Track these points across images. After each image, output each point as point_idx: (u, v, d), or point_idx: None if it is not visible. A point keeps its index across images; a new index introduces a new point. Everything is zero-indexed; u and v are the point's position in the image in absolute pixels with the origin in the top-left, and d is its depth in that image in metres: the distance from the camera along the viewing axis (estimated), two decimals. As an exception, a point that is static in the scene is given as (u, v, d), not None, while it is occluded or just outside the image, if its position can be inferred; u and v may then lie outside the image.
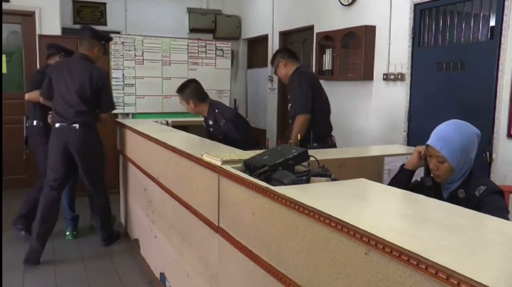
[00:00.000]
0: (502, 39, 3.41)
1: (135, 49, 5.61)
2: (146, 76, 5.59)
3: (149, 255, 3.21)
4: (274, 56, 3.60)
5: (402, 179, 1.97)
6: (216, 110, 3.43)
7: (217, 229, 1.88)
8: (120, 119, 4.56)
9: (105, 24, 6.50)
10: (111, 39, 3.96)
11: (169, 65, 5.49)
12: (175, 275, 2.62)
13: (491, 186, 1.81)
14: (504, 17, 3.38)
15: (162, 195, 2.72)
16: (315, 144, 3.09)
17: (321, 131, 3.28)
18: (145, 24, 6.57)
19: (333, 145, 3.43)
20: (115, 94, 5.47)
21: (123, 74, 5.45)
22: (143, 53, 5.60)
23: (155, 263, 3.05)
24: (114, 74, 5.37)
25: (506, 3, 3.36)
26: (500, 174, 3.41)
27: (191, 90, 3.48)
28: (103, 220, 3.76)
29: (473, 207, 1.68)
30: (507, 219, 1.73)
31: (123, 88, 5.50)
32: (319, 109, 3.33)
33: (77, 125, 3.43)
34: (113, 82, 5.42)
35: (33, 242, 3.38)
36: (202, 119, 3.67)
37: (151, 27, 6.46)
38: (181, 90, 3.51)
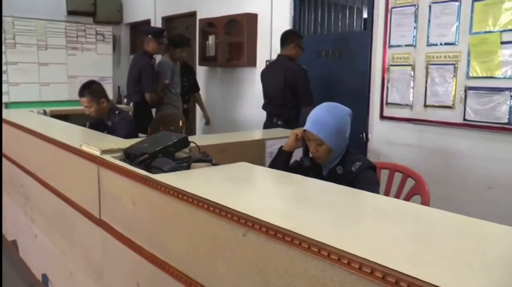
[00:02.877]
0: (374, 29, 3.70)
1: (5, 31, 5.10)
2: (19, 62, 5.12)
3: (29, 256, 2.99)
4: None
5: (281, 161, 2.05)
6: (117, 111, 3.27)
7: (99, 222, 1.80)
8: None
9: (-34, 3, 5.79)
10: (161, 32, 4.54)
11: (46, 49, 5.09)
12: (58, 274, 2.47)
13: (366, 162, 1.96)
14: (375, 10, 3.67)
15: (41, 190, 2.54)
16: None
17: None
18: (15, 3, 5.94)
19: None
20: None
21: (-9, 60, 4.93)
22: (14, 36, 5.12)
23: (36, 265, 2.85)
24: (-19, 59, 4.84)
25: (375, -4, 3.65)
26: (375, 152, 3.73)
27: (100, 88, 3.25)
28: None
29: (350, 182, 1.81)
30: (378, 192, 1.90)
31: (-8, 75, 4.99)
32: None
33: (131, 104, 4.44)
34: (-20, 68, 4.89)
35: None
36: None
37: (23, 8, 5.85)
38: (88, 88, 3.22)
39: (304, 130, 1.97)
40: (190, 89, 5.04)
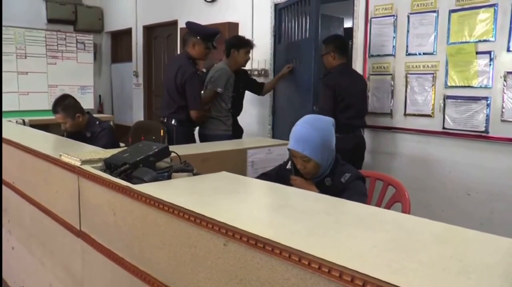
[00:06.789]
0: (354, 39, 3.76)
1: (-17, 40, 5.02)
2: (-2, 71, 5.04)
3: (6, 269, 2.91)
4: (329, 42, 3.44)
5: None
6: (97, 122, 3.25)
7: (79, 234, 1.78)
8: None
9: None
10: (213, 35, 3.61)
11: (25, 58, 5.01)
12: (37, 287, 2.42)
13: (355, 173, 1.92)
14: (354, 20, 3.73)
15: (19, 201, 2.49)
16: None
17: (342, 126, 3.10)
18: (-7, 11, 5.88)
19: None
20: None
21: (-32, 68, 4.83)
22: (-8, 45, 5.03)
23: (13, 278, 2.78)
24: (-43, 67, 4.74)
25: (355, 8, 3.71)
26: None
27: (74, 103, 3.20)
28: None
29: (339, 193, 1.74)
30: (366, 202, 1.84)
31: (-30, 84, 4.89)
32: (341, 108, 3.23)
33: (172, 120, 3.51)
34: (-43, 77, 4.79)
35: None
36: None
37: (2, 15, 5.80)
38: (61, 105, 3.16)
39: (289, 149, 1.91)
40: (238, 100, 3.97)
